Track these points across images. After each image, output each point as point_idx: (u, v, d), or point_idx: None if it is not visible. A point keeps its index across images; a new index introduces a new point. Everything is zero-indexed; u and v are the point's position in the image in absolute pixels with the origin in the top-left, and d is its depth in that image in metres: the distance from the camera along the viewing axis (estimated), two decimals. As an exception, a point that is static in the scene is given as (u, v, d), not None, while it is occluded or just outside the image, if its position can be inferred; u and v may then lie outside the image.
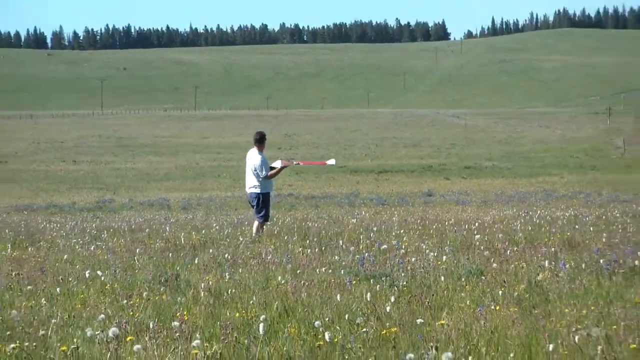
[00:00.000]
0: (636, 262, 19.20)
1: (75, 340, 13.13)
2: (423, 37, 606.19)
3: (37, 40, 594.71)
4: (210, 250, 24.50)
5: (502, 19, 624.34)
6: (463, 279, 18.17)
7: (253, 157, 29.64)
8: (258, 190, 29.73)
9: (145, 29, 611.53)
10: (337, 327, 13.39)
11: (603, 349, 12.02)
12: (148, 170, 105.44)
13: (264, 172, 29.67)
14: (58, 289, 18.17)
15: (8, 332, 13.76)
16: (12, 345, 12.53)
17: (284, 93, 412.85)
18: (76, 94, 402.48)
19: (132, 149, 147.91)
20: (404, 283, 17.70)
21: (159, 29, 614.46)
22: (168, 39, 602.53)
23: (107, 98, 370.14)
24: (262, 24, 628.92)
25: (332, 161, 36.91)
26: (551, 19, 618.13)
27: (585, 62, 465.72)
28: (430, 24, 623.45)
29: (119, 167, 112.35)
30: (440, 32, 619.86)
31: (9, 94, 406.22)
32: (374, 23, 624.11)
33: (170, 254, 24.09)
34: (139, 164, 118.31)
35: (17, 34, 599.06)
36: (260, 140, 29.73)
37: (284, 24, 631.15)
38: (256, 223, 30.12)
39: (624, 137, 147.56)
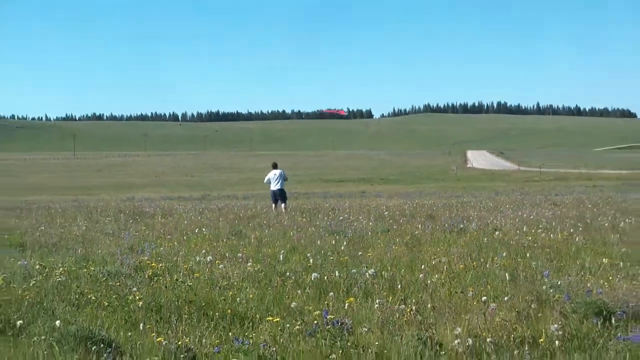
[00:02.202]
0: (461, 226, 19.20)
1: (191, 262, 13.13)
2: (360, 116, 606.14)
3: (174, 117, 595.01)
4: (257, 219, 24.46)
5: (399, 108, 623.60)
6: (379, 233, 18.13)
7: (278, 172, 30.47)
8: (281, 188, 30.16)
9: (227, 111, 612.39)
10: (317, 257, 13.38)
11: (446, 267, 11.97)
12: (228, 180, 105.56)
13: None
14: (184, 237, 18.18)
15: (159, 258, 13.75)
16: (161, 264, 12.52)
17: (292, 143, 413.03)
18: (192, 144, 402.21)
19: (219, 169, 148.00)
20: (351, 235, 17.68)
21: (234, 112, 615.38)
22: (237, 116, 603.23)
23: (208, 146, 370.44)
24: (281, 110, 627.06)
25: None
26: (422, 107, 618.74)
27: (438, 129, 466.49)
28: (363, 110, 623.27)
29: (214, 179, 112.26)
30: (368, 114, 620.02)
31: (163, 143, 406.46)
32: (337, 109, 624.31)
33: (236, 221, 24.06)
34: (222, 176, 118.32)
35: (164, 114, 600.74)
36: (275, 166, 30.61)
37: (293, 110, 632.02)
38: (274, 206, 30.43)
39: (456, 165, 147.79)
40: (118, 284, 11.20)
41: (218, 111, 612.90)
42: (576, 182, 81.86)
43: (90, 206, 37.24)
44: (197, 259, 13.53)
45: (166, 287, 10.72)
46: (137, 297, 9.79)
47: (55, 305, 9.97)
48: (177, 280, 11.16)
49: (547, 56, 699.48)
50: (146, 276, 11.70)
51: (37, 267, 12.65)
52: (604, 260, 12.69)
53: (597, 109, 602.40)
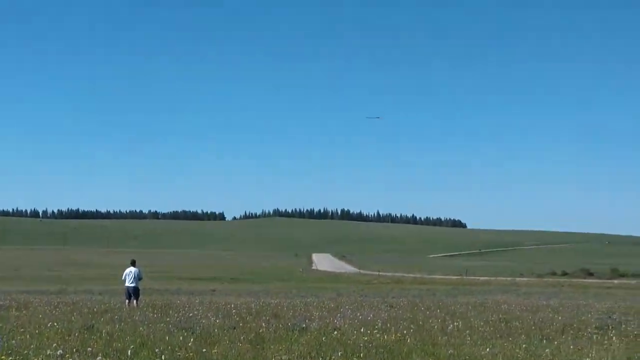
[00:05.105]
0: (303, 325, 19.19)
1: (41, 356, 12.71)
2: (214, 218, 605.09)
3: (34, 213, 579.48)
4: (110, 314, 23.90)
5: (250, 211, 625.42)
6: (226, 330, 17.95)
7: (134, 270, 30.39)
8: (135, 285, 29.89)
9: (86, 210, 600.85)
10: (166, 352, 13.12)
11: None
12: (85, 275, 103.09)
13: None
14: (36, 331, 17.59)
15: (10, 351, 13.24)
16: (11, 358, 12.11)
17: (149, 241, 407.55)
18: (52, 239, 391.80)
19: (77, 265, 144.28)
20: (199, 331, 17.44)
21: (93, 210, 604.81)
22: (96, 214, 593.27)
23: (67, 242, 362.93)
24: (139, 209, 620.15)
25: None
26: (272, 212, 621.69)
27: (286, 232, 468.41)
28: (217, 212, 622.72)
29: (71, 274, 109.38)
30: (221, 216, 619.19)
31: (23, 238, 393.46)
32: (192, 211, 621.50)
33: (90, 315, 23.46)
34: (80, 272, 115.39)
35: (25, 210, 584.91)
36: (133, 263, 30.46)
37: (150, 210, 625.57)
38: (127, 302, 29.96)
39: (302, 266, 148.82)
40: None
41: (78, 209, 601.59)
42: (411, 285, 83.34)
43: (-55, 298, 35.77)
44: (48, 353, 13.08)
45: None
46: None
47: None
48: (26, 373, 10.79)
49: (386, 169, 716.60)
50: (-4, 369, 11.26)
51: None
52: (432, 360, 12.91)
53: (431, 218, 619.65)
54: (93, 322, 20.24)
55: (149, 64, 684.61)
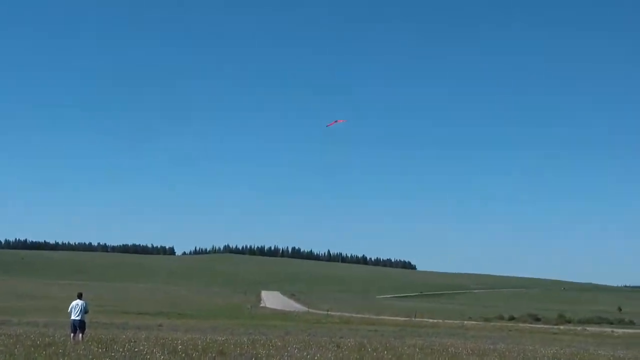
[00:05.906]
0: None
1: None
2: (163, 252, 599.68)
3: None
4: (53, 347, 23.55)
5: (200, 247, 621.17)
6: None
7: (80, 303, 30.05)
8: (81, 319, 29.59)
9: (34, 240, 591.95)
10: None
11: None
12: (30, 307, 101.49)
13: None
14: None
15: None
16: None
17: (97, 274, 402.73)
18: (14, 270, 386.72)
19: (23, 296, 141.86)
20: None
21: (41, 241, 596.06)
22: (44, 245, 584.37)
23: (14, 273, 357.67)
24: (88, 242, 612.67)
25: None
26: (222, 248, 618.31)
27: (236, 269, 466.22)
28: (166, 246, 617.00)
29: (16, 305, 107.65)
30: (171, 250, 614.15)
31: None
32: (141, 245, 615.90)
33: (32, 348, 23.09)
34: (24, 303, 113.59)
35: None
36: (80, 296, 30.17)
37: (99, 243, 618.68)
38: (72, 335, 29.63)
39: (250, 304, 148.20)
40: None
41: (25, 239, 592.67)
42: (360, 325, 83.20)
43: None
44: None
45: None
46: None
47: None
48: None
49: (338, 208, 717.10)
50: None
51: None
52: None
53: (381, 259, 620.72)
54: (35, 355, 19.94)
55: (102, 94, 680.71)
